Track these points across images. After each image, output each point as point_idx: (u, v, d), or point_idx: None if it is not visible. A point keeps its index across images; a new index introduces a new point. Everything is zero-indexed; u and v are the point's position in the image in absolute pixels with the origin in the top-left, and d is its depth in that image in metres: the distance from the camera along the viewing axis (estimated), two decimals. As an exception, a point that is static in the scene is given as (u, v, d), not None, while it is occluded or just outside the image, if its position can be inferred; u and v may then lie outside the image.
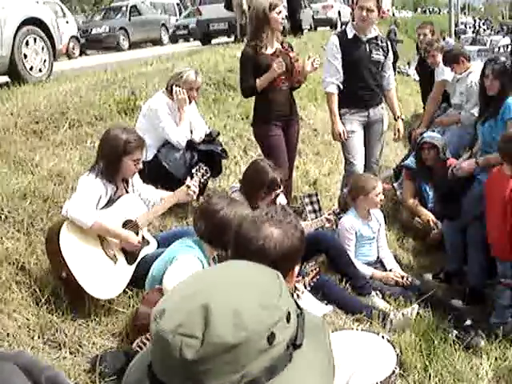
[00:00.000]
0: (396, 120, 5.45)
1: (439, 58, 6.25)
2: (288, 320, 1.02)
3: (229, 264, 1.22)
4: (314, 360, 1.10)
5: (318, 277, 3.58)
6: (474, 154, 4.72)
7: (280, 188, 4.10)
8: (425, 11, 71.52)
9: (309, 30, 21.97)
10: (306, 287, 3.45)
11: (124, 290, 3.55)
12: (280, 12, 4.78)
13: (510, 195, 4.02)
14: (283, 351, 1.01)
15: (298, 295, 3.33)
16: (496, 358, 3.91)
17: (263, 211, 1.84)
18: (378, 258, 4.65)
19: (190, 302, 0.98)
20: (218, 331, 0.93)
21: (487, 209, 4.32)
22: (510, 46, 7.76)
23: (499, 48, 7.93)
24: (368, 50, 5.06)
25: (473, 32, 33.97)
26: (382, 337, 3.05)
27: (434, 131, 5.71)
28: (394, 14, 47.72)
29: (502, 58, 4.52)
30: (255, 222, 1.76)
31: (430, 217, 5.29)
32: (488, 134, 4.49)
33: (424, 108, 6.91)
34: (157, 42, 22.28)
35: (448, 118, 5.61)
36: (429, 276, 4.97)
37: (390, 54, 5.28)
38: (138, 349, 2.84)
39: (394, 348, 2.91)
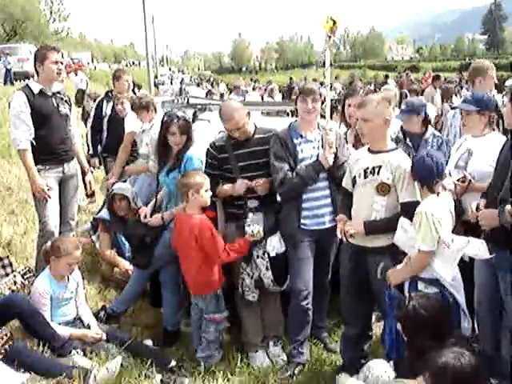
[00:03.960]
0: (86, 173, 5.46)
1: (127, 106, 6.34)
2: None
3: None
4: None
5: (10, 343, 3.37)
6: (161, 201, 4.87)
7: None
8: (126, 64, 73.88)
9: (4, 84, 21.14)
10: None
11: None
12: None
13: (193, 233, 4.26)
14: None
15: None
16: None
17: None
18: (77, 315, 4.54)
19: None
20: None
21: (180, 251, 4.50)
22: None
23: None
24: (56, 104, 5.06)
25: (170, 83, 35.83)
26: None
27: (125, 181, 5.83)
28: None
29: (179, 113, 4.60)
30: None
31: (128, 266, 5.38)
32: (173, 185, 4.64)
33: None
34: None
35: (136, 167, 5.77)
36: None
37: (73, 109, 5.31)
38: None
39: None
